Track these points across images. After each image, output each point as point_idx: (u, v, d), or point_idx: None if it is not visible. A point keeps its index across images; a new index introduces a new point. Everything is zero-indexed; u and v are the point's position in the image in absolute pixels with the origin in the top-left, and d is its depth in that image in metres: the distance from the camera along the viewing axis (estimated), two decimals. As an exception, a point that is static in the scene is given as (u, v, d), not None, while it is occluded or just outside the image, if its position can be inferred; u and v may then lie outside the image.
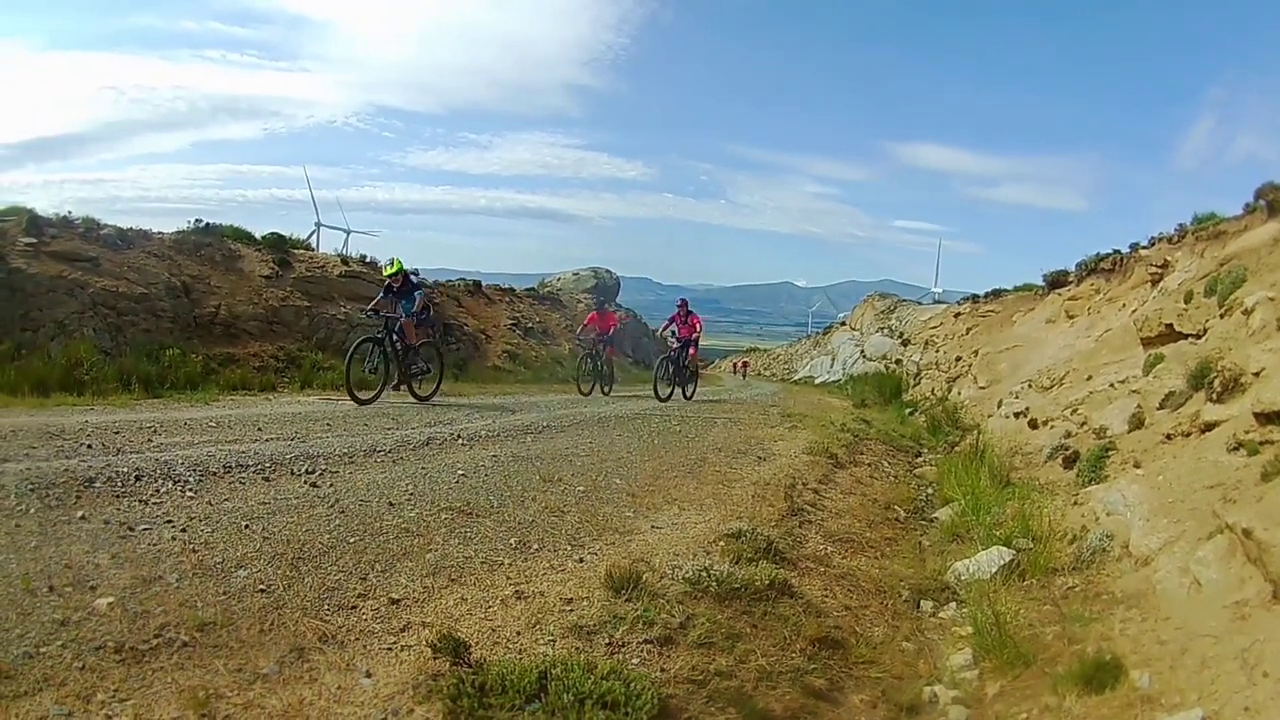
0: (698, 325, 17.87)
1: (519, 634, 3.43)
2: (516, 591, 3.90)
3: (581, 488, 6.31)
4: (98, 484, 4.81)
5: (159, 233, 16.30)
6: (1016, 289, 24.35)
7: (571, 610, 3.68)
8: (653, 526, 5.46)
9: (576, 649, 3.29)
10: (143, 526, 4.14)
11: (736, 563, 4.60)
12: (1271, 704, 2.66)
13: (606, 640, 3.44)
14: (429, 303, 13.15)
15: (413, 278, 12.28)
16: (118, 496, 4.64)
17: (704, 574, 4.22)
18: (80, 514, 4.22)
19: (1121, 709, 3.04)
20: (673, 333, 17.91)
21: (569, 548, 4.77)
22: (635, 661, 3.31)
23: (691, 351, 17.63)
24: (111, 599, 3.19)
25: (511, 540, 4.74)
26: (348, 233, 59.21)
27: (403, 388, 11.97)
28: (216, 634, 3.06)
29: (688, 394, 17.53)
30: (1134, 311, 11.82)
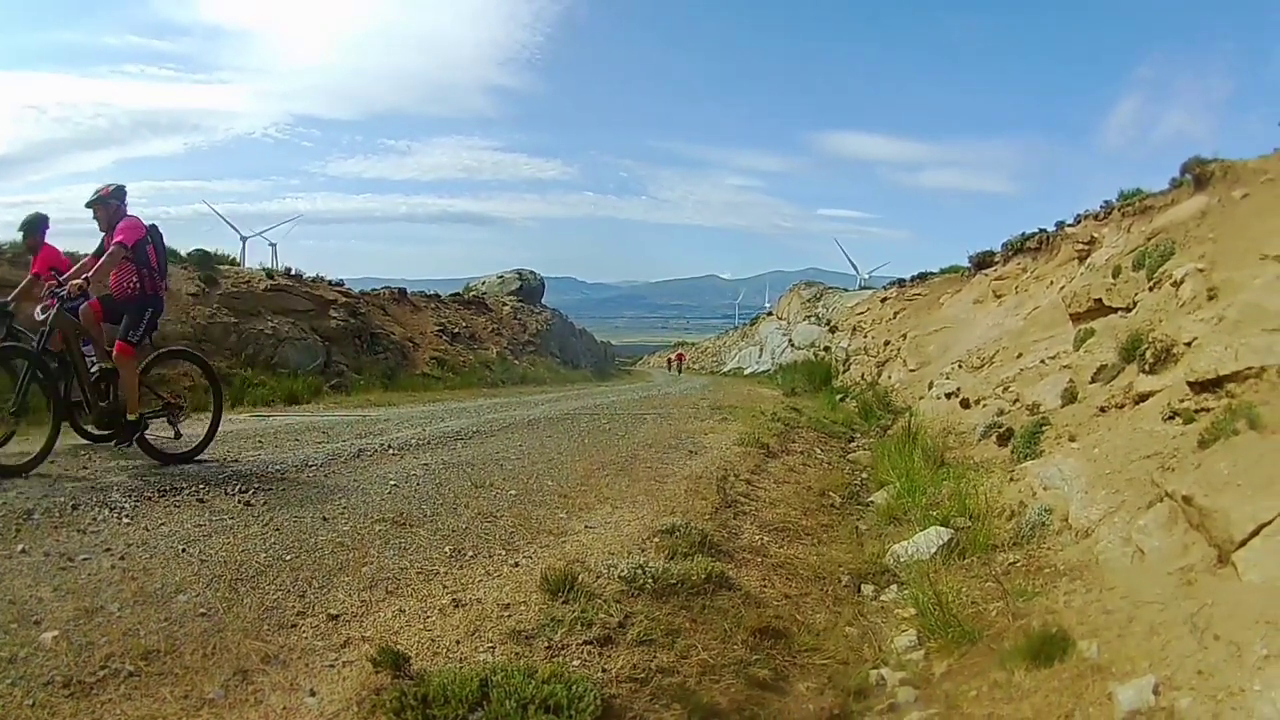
0: (134, 239, 7.09)
1: (459, 643, 3.47)
2: (454, 600, 3.94)
3: (513, 491, 6.36)
4: (36, 515, 4.74)
5: (86, 255, 15.98)
6: (943, 271, 24.89)
7: (509, 616, 3.74)
8: (586, 526, 5.53)
9: (516, 654, 3.34)
10: (82, 556, 4.09)
11: (672, 558, 4.68)
12: (1224, 666, 2.74)
13: (546, 644, 3.50)
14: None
15: None
16: (56, 527, 4.57)
17: (640, 571, 4.29)
18: (21, 547, 4.16)
19: (1072, 680, 3.11)
20: (52, 287, 6.98)
21: (504, 553, 4.81)
22: (576, 663, 3.37)
23: (116, 351, 7.04)
24: (56, 632, 3.17)
25: (446, 548, 4.78)
26: (273, 245, 58.60)
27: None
28: (161, 661, 3.06)
29: (124, 439, 6.92)
30: (1062, 289, 12.16)
